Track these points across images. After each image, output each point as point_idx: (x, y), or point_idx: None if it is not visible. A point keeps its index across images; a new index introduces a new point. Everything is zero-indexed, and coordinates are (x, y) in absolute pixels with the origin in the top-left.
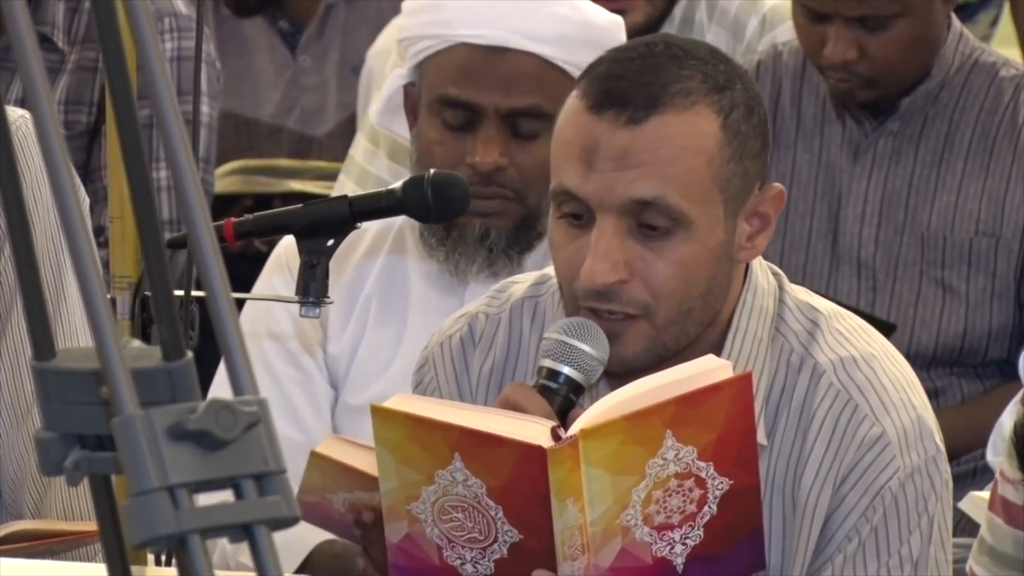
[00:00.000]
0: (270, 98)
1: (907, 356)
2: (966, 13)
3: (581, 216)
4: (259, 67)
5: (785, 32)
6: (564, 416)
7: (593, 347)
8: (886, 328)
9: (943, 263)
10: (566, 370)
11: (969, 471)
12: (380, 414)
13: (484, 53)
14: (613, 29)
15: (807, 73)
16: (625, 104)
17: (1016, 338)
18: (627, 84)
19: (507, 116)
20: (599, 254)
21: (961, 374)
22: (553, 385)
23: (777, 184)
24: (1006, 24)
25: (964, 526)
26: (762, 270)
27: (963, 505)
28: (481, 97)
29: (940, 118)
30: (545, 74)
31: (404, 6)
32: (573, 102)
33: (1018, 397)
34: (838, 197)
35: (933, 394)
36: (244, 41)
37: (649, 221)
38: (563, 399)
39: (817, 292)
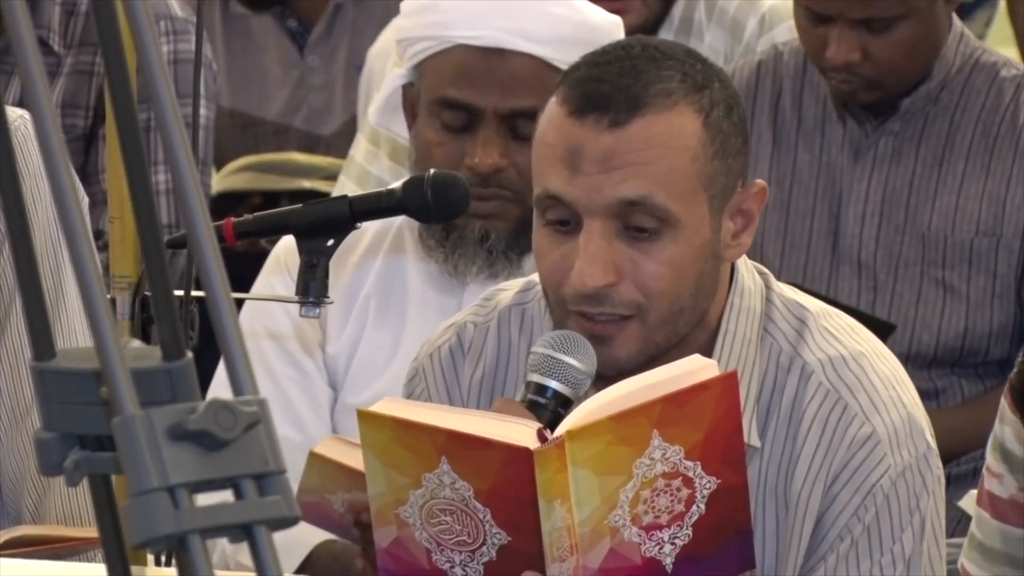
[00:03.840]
0: (277, 97)
1: (908, 356)
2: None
3: (568, 222)
4: (267, 66)
5: (784, 32)
6: (553, 430)
7: (581, 360)
8: (886, 328)
9: (944, 263)
10: (554, 384)
11: (969, 471)
12: (366, 418)
13: (482, 54)
14: (611, 29)
15: (808, 73)
16: (607, 107)
17: (1017, 338)
18: (608, 87)
19: (506, 117)
20: (588, 258)
21: (962, 374)
22: (541, 400)
23: (759, 180)
24: (1001, 25)
25: (964, 525)
26: (748, 270)
27: (963, 503)
28: (480, 99)
29: (941, 118)
30: (543, 75)
31: (402, 6)
32: (553, 108)
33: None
34: (839, 197)
35: (933, 394)
36: (252, 39)
37: (636, 223)
38: (552, 414)
39: (818, 292)
